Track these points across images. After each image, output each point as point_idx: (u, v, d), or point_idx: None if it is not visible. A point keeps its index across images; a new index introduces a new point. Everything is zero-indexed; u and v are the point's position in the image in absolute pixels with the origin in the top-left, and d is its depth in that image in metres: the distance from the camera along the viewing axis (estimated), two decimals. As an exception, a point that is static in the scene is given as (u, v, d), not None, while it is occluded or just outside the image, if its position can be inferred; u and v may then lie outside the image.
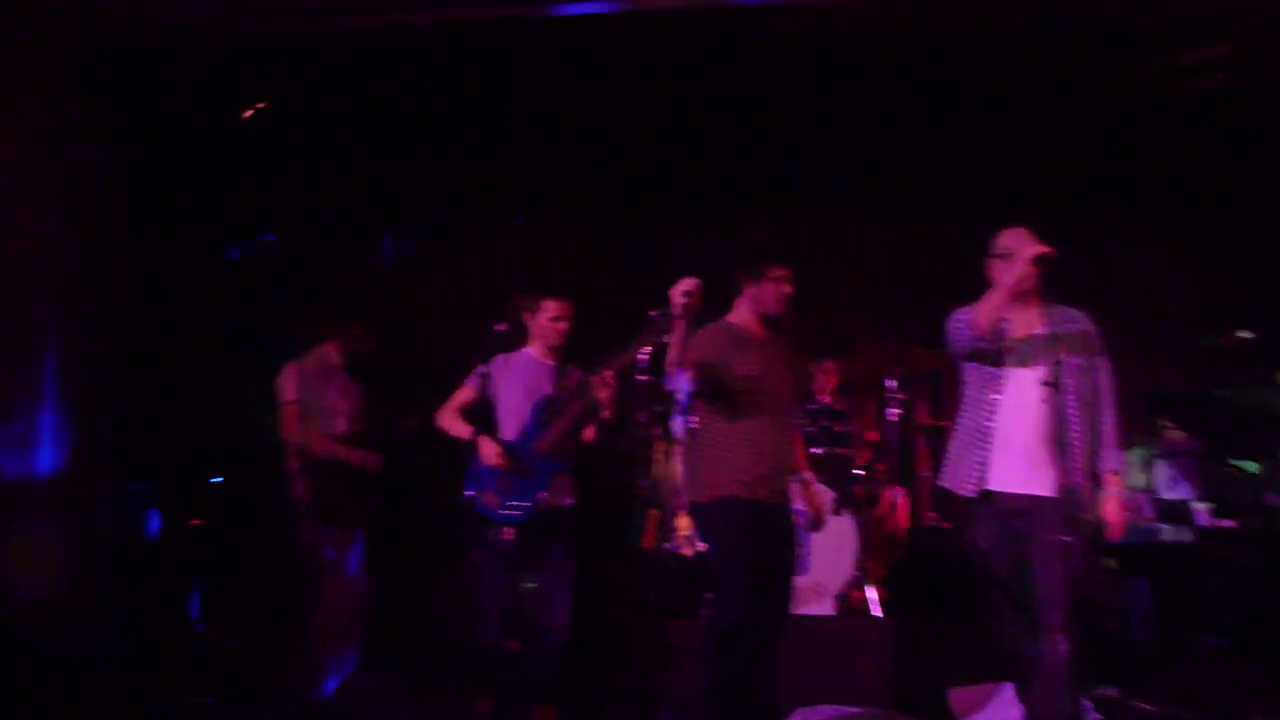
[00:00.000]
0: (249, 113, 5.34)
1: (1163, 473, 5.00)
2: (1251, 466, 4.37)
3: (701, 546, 3.07)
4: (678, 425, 3.16)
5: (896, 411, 5.41)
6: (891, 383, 5.50)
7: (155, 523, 4.93)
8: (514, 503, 4.15)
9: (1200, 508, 5.01)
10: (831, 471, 5.20)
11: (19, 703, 3.59)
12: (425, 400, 4.51)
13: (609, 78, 5.12)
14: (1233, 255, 6.16)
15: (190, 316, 5.85)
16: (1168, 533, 4.96)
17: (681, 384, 3.24)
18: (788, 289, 3.66)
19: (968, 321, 3.55)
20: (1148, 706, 4.44)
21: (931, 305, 6.10)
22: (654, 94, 5.28)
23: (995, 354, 3.59)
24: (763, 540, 3.53)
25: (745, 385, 3.57)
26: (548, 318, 4.32)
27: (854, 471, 5.32)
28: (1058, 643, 3.38)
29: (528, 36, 4.62)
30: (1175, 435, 5.24)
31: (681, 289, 3.37)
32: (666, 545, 3.02)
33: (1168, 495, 5.05)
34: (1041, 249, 3.43)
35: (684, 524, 3.07)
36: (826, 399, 5.75)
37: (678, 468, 3.06)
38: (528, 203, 6.76)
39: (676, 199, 6.62)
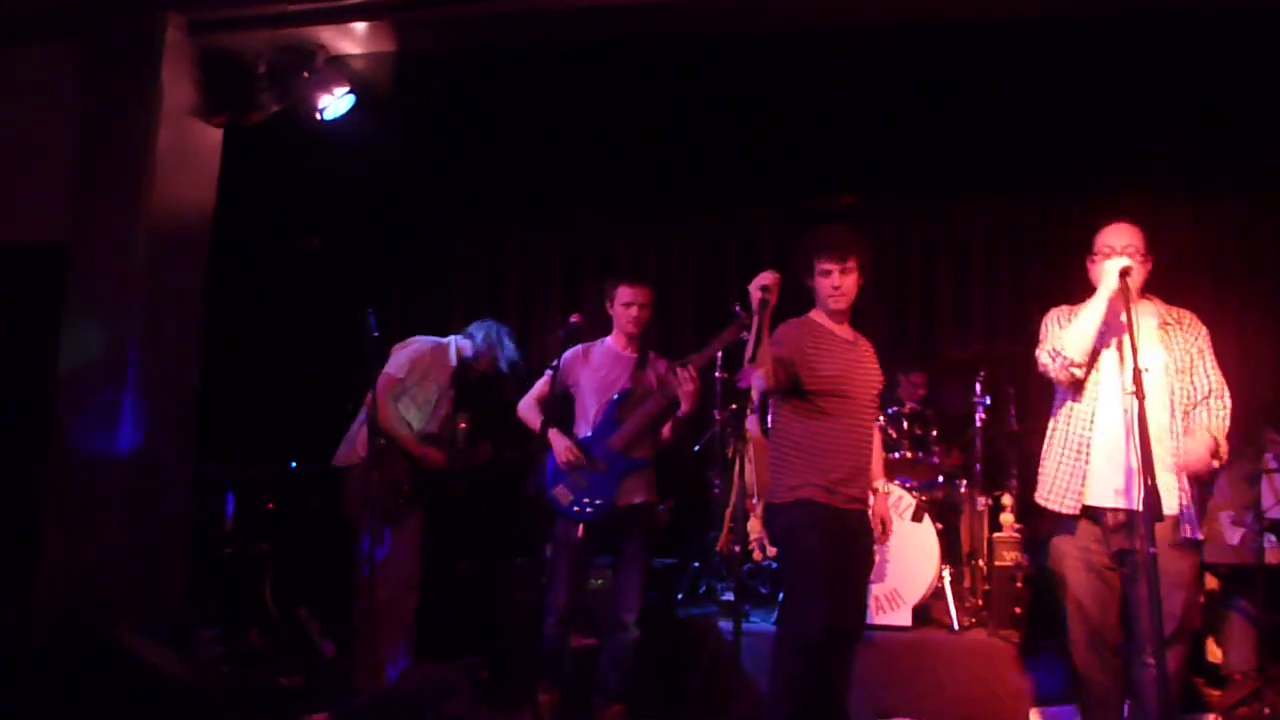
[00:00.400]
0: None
1: (1271, 488, 4.71)
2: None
3: (773, 550, 2.95)
4: (752, 424, 3.04)
5: (982, 417, 5.21)
6: (977, 388, 5.29)
7: (231, 506, 4.98)
8: (586, 499, 4.08)
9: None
10: (914, 477, 5.05)
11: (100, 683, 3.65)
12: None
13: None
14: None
15: (274, 300, 5.94)
16: (1271, 553, 4.67)
17: (757, 382, 3.12)
18: (838, 280, 3.52)
19: (1053, 354, 3.44)
20: (1246, 736, 4.22)
21: (1020, 305, 6.08)
22: (735, 82, 5.18)
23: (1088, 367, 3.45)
24: (837, 546, 3.42)
25: (826, 385, 3.45)
26: (622, 304, 4.24)
27: (937, 478, 5.14)
28: (1152, 666, 3.20)
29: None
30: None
31: (760, 283, 3.27)
32: (739, 547, 2.92)
33: (1276, 514, 4.75)
34: (1122, 263, 3.29)
35: (756, 526, 2.95)
36: (912, 405, 5.59)
37: (750, 468, 2.94)
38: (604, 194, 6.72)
39: (760, 190, 6.53)
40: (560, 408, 4.29)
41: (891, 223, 6.58)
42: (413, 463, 4.54)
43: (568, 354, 4.27)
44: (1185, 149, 5.50)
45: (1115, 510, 3.38)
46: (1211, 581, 5.08)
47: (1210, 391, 3.48)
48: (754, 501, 2.98)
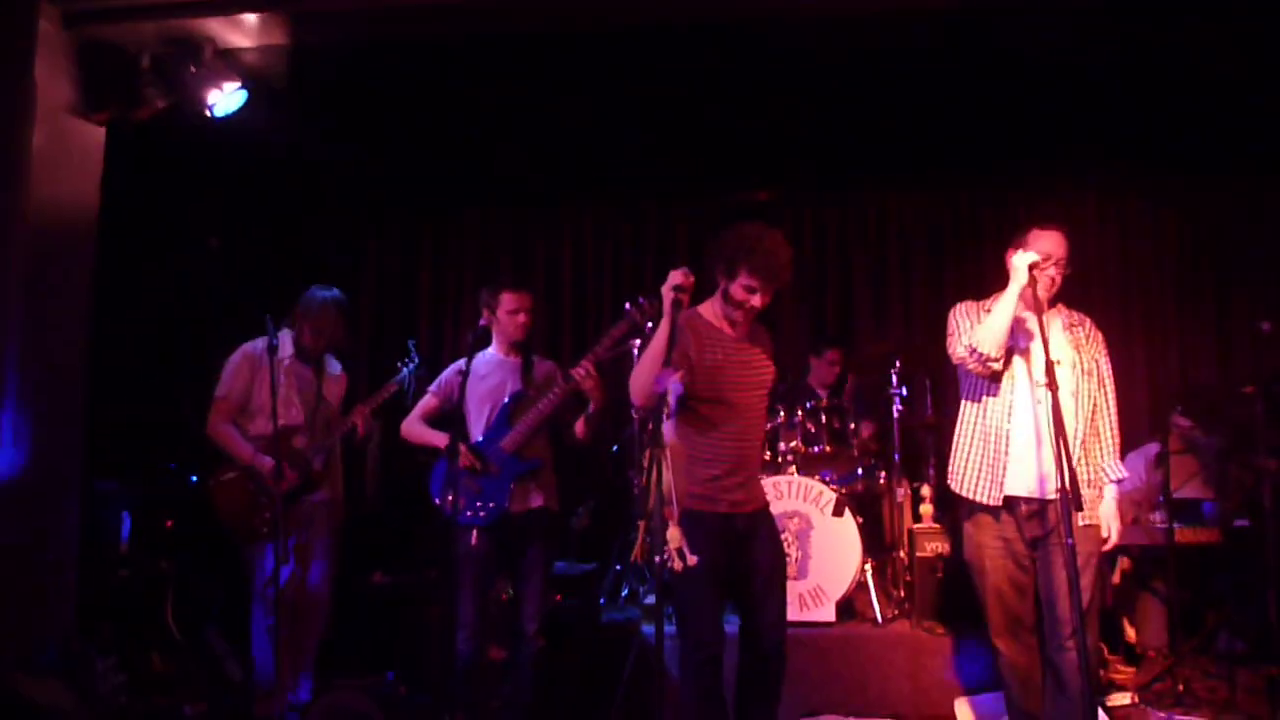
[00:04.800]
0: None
1: (1177, 471, 4.83)
2: (1272, 465, 4.23)
3: (693, 559, 2.87)
4: (668, 430, 2.95)
5: (899, 408, 5.23)
6: (893, 378, 5.31)
7: (127, 525, 4.72)
8: (479, 503, 3.98)
9: (1215, 507, 4.84)
10: (834, 470, 5.04)
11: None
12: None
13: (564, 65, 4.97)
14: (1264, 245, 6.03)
15: (166, 308, 5.67)
16: (1181, 533, 4.79)
17: (673, 386, 3.03)
18: (758, 302, 3.37)
19: (970, 350, 3.45)
20: (1162, 713, 4.31)
21: (935, 298, 6.15)
22: (615, 79, 5.13)
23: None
24: (727, 554, 3.32)
25: (704, 388, 3.33)
26: (507, 311, 4.14)
27: (857, 470, 5.14)
28: (1070, 650, 3.27)
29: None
30: (1192, 432, 5.07)
31: (672, 283, 3.15)
32: (656, 558, 2.83)
33: (1182, 494, 4.88)
34: (1030, 258, 3.35)
35: (675, 535, 2.86)
36: (826, 393, 5.59)
37: (668, 474, 2.85)
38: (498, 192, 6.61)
39: (667, 186, 6.47)
40: (448, 420, 4.16)
41: (809, 217, 6.61)
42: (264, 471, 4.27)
43: (445, 373, 4.23)
44: (1096, 145, 5.63)
45: (1030, 499, 3.42)
46: (1124, 563, 5.21)
47: (1105, 401, 3.57)
48: (672, 509, 2.89)
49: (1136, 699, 4.47)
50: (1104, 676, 4.78)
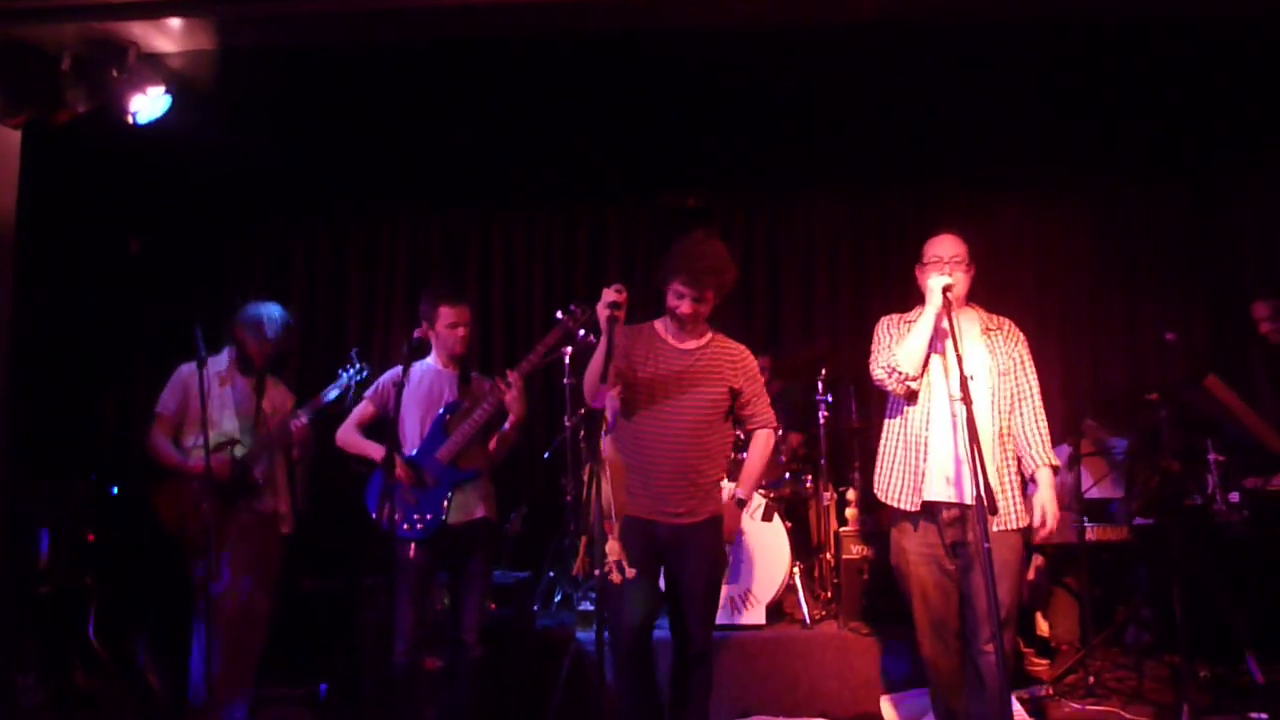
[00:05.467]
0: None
1: (1089, 472, 5.05)
2: (1175, 467, 4.45)
3: (631, 572, 2.93)
4: (606, 445, 3.00)
5: (825, 414, 5.35)
6: (819, 385, 5.43)
7: (45, 541, 4.59)
8: (416, 516, 3.98)
9: (1125, 506, 5.06)
10: (763, 477, 5.12)
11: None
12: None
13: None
14: (1176, 259, 6.28)
15: (85, 315, 5.51)
16: (1091, 531, 5.01)
17: (610, 403, 3.09)
18: (688, 308, 3.50)
19: (888, 370, 3.57)
20: (1075, 704, 4.50)
21: (860, 304, 6.29)
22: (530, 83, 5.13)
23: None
24: (648, 560, 3.40)
25: (641, 397, 3.44)
26: (446, 325, 4.14)
27: (784, 475, 5.25)
28: (989, 653, 3.38)
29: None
30: (1101, 435, 5.29)
31: (607, 300, 3.22)
32: (597, 571, 2.88)
33: (1092, 494, 5.09)
34: (944, 281, 3.48)
35: (615, 548, 2.91)
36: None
37: (607, 488, 2.91)
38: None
39: (600, 190, 6.50)
40: (382, 429, 4.16)
41: (740, 220, 6.66)
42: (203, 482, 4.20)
43: (382, 381, 4.21)
44: (1015, 151, 5.79)
45: (950, 505, 3.54)
46: (1039, 560, 5.41)
47: (1029, 394, 3.68)
48: (611, 523, 2.94)
49: (1051, 691, 4.66)
50: (1019, 670, 4.97)
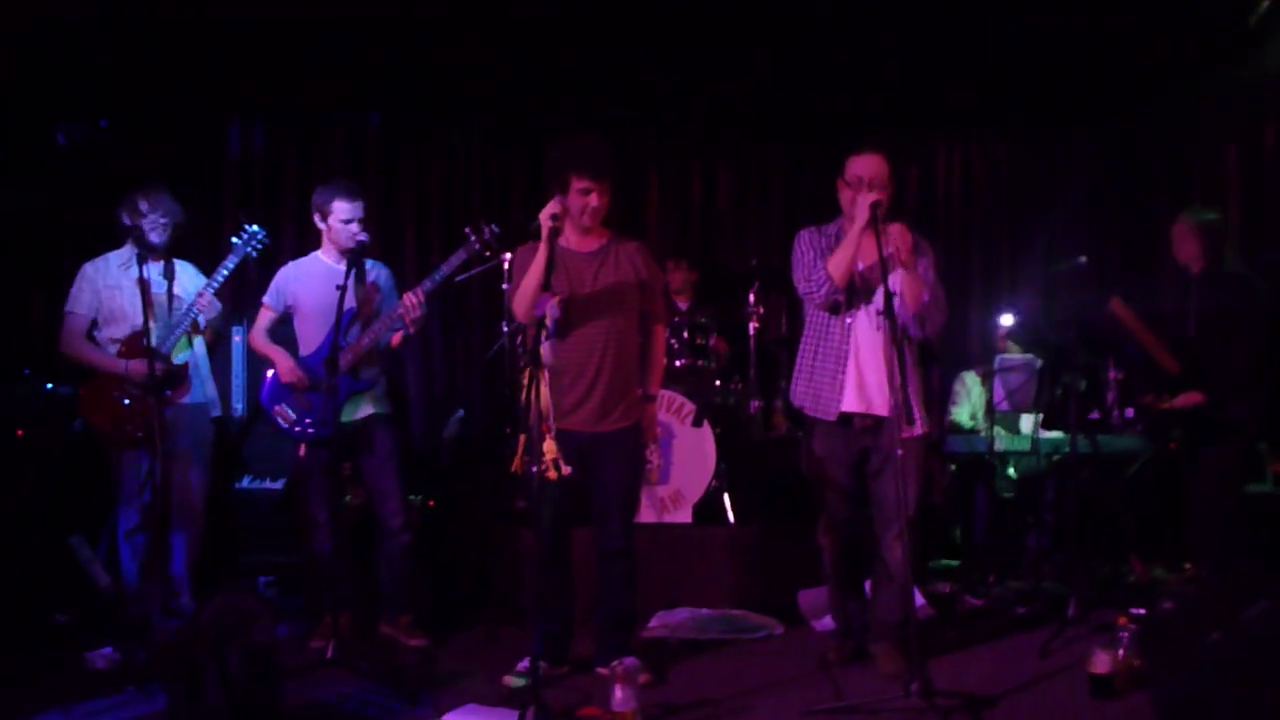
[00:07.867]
0: None
1: (1000, 387, 5.32)
2: (1080, 384, 4.73)
3: (567, 469, 3.09)
4: (546, 350, 3.13)
5: (755, 325, 5.52)
6: (750, 298, 5.58)
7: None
8: (308, 419, 4.07)
9: (1032, 420, 5.37)
10: (692, 383, 5.30)
11: None
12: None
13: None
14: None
15: (14, 208, 5.39)
16: (1002, 443, 5.31)
17: (551, 309, 3.20)
18: (595, 201, 3.49)
19: (819, 282, 3.64)
20: (976, 600, 4.84)
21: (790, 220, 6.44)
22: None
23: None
24: (577, 468, 3.43)
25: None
26: (340, 220, 4.11)
27: (715, 383, 5.43)
28: (896, 547, 3.59)
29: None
30: (1014, 353, 5.56)
31: (549, 211, 3.30)
32: (534, 469, 3.03)
33: (1004, 408, 5.38)
34: (872, 198, 3.51)
35: (551, 447, 3.07)
36: (685, 306, 5.80)
37: (545, 391, 3.04)
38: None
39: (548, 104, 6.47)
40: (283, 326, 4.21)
41: (675, 135, 6.72)
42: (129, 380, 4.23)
43: (281, 274, 4.20)
44: (942, 95, 5.97)
45: (864, 416, 3.69)
46: (950, 467, 5.74)
47: (934, 299, 3.74)
48: (549, 424, 3.09)
49: (952, 587, 5.01)
50: (927, 569, 5.31)
